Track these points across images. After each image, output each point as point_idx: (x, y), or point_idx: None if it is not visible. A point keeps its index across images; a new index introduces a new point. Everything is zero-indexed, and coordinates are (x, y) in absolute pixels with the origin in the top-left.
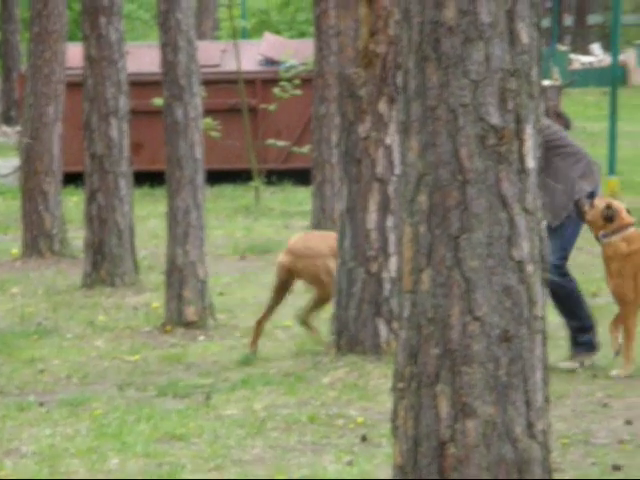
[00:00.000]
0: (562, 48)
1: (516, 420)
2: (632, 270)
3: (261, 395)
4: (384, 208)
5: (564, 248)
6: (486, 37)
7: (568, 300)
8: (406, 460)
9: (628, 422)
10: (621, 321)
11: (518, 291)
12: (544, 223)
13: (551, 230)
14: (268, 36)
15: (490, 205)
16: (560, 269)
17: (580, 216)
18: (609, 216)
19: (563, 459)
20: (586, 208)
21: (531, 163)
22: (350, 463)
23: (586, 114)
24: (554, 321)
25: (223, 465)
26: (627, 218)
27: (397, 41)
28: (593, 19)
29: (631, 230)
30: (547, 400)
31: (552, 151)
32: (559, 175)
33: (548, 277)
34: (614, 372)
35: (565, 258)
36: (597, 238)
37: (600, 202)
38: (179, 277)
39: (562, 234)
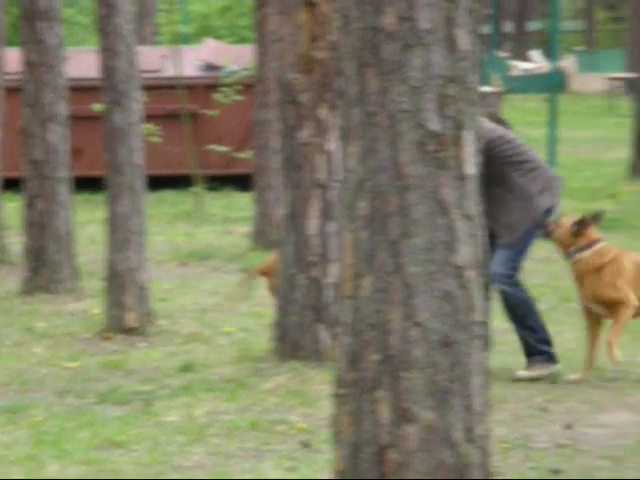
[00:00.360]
0: (502, 54)
1: (455, 425)
2: (609, 278)
3: (202, 401)
4: (325, 214)
5: (515, 259)
6: (425, 43)
7: (518, 310)
8: (347, 466)
9: (567, 426)
10: (594, 333)
11: (458, 297)
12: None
13: (502, 242)
14: (209, 41)
15: (430, 211)
16: (510, 279)
17: (546, 235)
18: (578, 232)
19: (503, 463)
20: (552, 227)
21: (470, 169)
22: (291, 469)
23: (526, 120)
24: (499, 327)
25: (163, 472)
26: (595, 233)
27: (337, 47)
28: (532, 26)
29: (601, 244)
30: (486, 405)
31: (512, 166)
32: (517, 191)
33: (498, 287)
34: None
35: (516, 268)
36: (566, 255)
37: (567, 220)
38: (119, 283)
39: (513, 246)
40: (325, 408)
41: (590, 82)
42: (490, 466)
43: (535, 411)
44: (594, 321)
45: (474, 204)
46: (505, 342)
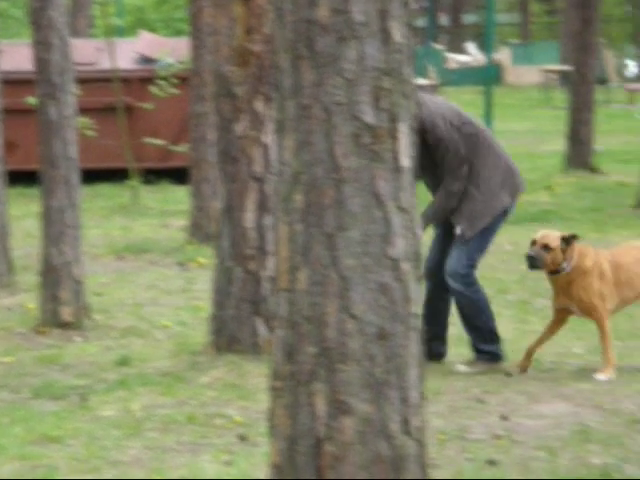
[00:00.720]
0: (438, 47)
1: (392, 417)
2: (595, 278)
3: (138, 396)
4: (262, 207)
5: (471, 257)
6: (359, 36)
7: (468, 310)
8: (283, 459)
9: (503, 417)
10: (553, 330)
11: (394, 289)
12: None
13: (459, 237)
14: (144, 34)
15: (365, 203)
16: (465, 278)
17: (535, 267)
18: (567, 246)
19: (439, 455)
20: (539, 257)
21: (406, 162)
22: (228, 463)
23: None
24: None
25: (99, 467)
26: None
27: (272, 40)
28: (468, 18)
29: (579, 246)
30: (422, 397)
31: (473, 151)
32: (480, 182)
33: (451, 285)
34: (599, 376)
35: (472, 267)
36: (556, 273)
37: (542, 239)
38: (54, 277)
39: (470, 243)
40: (262, 401)
41: (525, 74)
42: (426, 458)
43: (471, 402)
44: (561, 320)
45: (410, 196)
46: None
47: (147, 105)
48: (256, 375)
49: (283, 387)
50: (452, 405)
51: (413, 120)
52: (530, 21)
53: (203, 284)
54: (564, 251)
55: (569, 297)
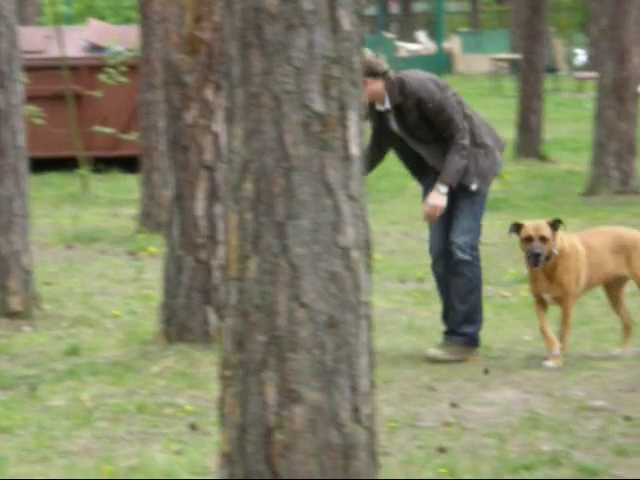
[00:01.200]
0: (388, 36)
1: (342, 405)
2: (573, 260)
3: (88, 385)
4: (212, 195)
5: (477, 228)
6: (308, 24)
7: (470, 283)
8: (233, 448)
9: (453, 405)
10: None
11: (344, 277)
12: (442, 190)
13: (464, 208)
14: (93, 22)
15: (315, 192)
16: (475, 250)
17: (537, 264)
18: (555, 232)
19: (390, 442)
20: (545, 249)
21: (355, 150)
22: (179, 452)
23: None
24: (383, 306)
25: (49, 457)
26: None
27: (222, 28)
28: (418, 7)
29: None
30: (373, 385)
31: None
32: (477, 140)
33: (462, 257)
34: (549, 363)
35: (478, 237)
36: (547, 259)
37: (538, 232)
38: (3, 267)
39: (476, 212)
40: (213, 390)
41: (475, 63)
42: (376, 445)
43: (422, 390)
44: (544, 308)
45: (359, 185)
46: (392, 322)
47: (96, 93)
48: (207, 364)
49: (233, 376)
50: (403, 393)
51: (362, 108)
52: (480, 10)
53: (153, 273)
54: (553, 238)
55: (551, 282)
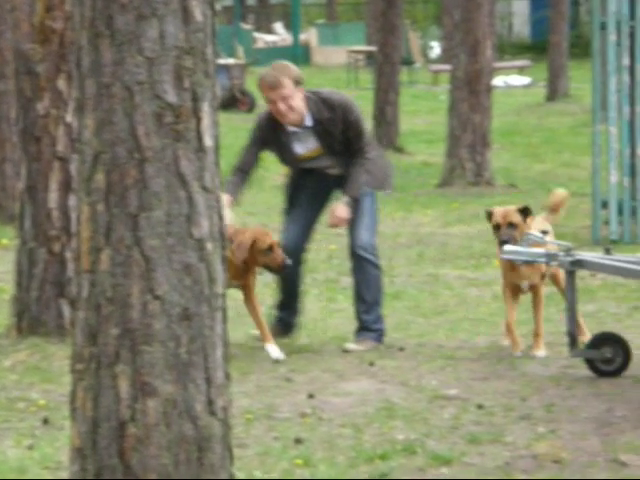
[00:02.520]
0: (246, 27)
1: (196, 398)
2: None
3: None
4: (66, 187)
5: (375, 228)
6: (159, 14)
7: (376, 282)
8: (85, 442)
9: (310, 395)
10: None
11: (198, 269)
12: (347, 202)
13: (362, 209)
14: None
15: (169, 183)
16: (375, 249)
17: (510, 241)
18: (526, 217)
19: (246, 434)
20: (515, 235)
21: (209, 141)
22: (31, 447)
23: None
24: (239, 298)
25: None
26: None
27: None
28: None
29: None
30: (228, 377)
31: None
32: (372, 150)
33: (364, 256)
34: (539, 353)
35: (375, 237)
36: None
37: (506, 218)
38: None
39: (372, 210)
40: (67, 384)
41: (332, 55)
42: (231, 438)
43: (279, 382)
44: (516, 300)
45: (214, 176)
46: (249, 314)
47: None
48: (61, 358)
49: (85, 369)
50: (260, 385)
51: (215, 100)
52: (336, 2)
53: (6, 265)
54: (524, 224)
55: (530, 268)
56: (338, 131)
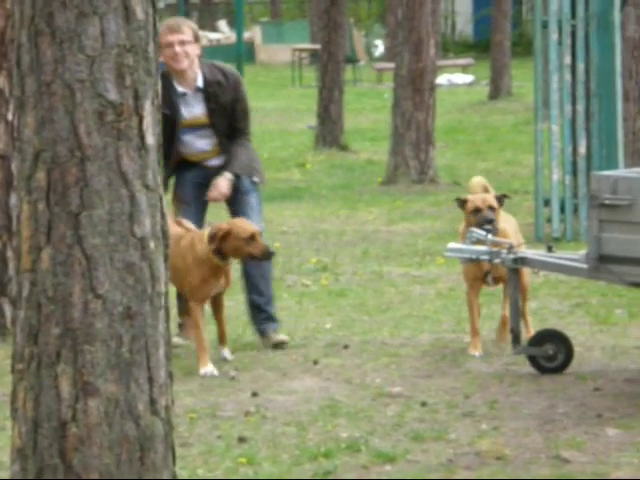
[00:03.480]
0: None
1: (139, 397)
2: (512, 237)
3: None
4: (7, 185)
5: (261, 222)
6: (100, 12)
7: (269, 270)
8: (25, 442)
9: (254, 394)
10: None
11: (140, 268)
12: (229, 177)
13: (252, 202)
14: None
15: (110, 182)
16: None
17: (493, 230)
18: (501, 206)
19: (190, 433)
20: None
21: (151, 139)
22: None
23: None
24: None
25: None
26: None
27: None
28: None
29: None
30: (170, 376)
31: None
32: (250, 139)
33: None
34: (476, 352)
35: None
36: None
37: (485, 202)
38: None
39: (259, 202)
40: (7, 384)
41: (276, 53)
42: (173, 437)
43: (223, 380)
44: (479, 296)
45: (155, 174)
46: None
47: None
48: (1, 357)
49: (26, 369)
50: (204, 383)
51: (157, 98)
52: (280, 0)
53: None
54: (498, 212)
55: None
56: (227, 100)
